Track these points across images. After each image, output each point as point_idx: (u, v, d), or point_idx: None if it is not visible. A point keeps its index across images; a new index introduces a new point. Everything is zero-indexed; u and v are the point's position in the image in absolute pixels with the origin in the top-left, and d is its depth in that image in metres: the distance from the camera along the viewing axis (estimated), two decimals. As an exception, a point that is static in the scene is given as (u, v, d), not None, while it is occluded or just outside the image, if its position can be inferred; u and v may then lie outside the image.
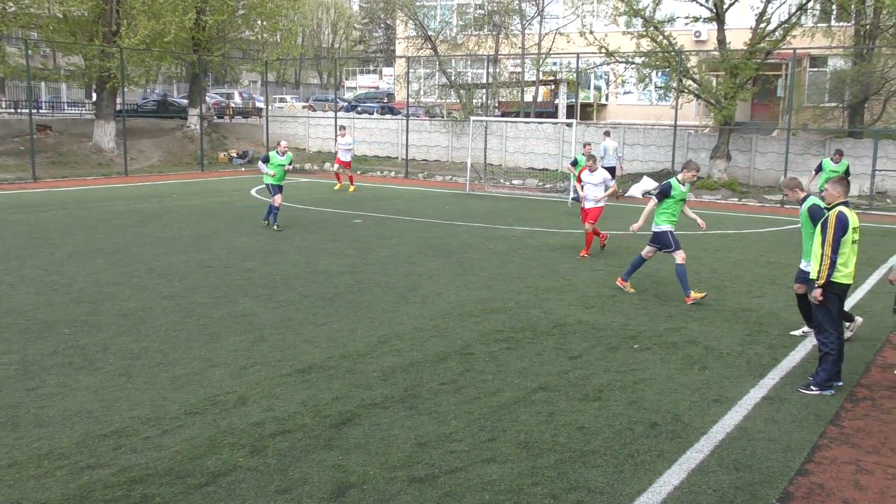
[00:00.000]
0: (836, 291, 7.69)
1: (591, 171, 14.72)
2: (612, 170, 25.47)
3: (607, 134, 27.23)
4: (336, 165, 26.40)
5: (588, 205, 14.76)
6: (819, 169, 18.87)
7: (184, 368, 8.01)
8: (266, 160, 17.52)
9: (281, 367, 8.09)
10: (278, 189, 17.34)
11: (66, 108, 44.35)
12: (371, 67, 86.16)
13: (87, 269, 12.66)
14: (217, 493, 5.44)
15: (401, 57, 41.55)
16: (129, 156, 31.34)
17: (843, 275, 7.65)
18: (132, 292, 11.21)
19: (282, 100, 57.71)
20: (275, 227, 16.97)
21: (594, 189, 14.60)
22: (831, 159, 18.90)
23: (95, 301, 10.66)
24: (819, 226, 7.68)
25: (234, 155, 36.30)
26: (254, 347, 8.75)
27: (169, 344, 8.82)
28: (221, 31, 36.21)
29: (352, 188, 25.75)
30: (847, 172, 18.64)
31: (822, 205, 8.74)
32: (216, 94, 50.89)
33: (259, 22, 38.24)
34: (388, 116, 40.47)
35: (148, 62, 33.38)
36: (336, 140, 27.06)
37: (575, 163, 18.23)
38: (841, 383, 7.84)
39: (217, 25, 34.91)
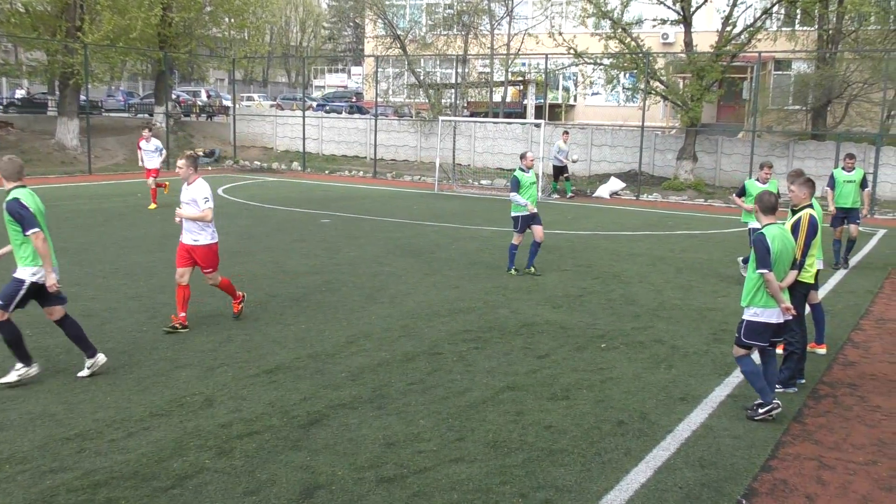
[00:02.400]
0: (802, 290, 7.81)
1: (188, 183, 9.56)
2: (562, 169, 26.35)
3: (566, 133, 27.81)
4: (150, 179, 20.25)
5: (185, 239, 9.58)
6: (832, 184, 14.54)
7: (149, 370, 7.92)
8: (517, 185, 13.00)
9: (248, 368, 8.03)
10: (532, 220, 13.04)
11: (28, 104, 43.67)
12: (339, 66, 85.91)
13: (50, 269, 12.45)
14: (183, 496, 5.39)
15: (369, 56, 41.48)
16: (93, 154, 30.94)
17: (809, 275, 7.76)
18: (96, 293, 11.06)
19: (249, 98, 57.32)
20: (531, 269, 13.13)
21: (187, 208, 9.50)
22: (842, 168, 14.65)
23: (59, 301, 10.49)
24: (789, 228, 7.75)
25: (201, 154, 35.97)
26: (220, 348, 8.67)
27: (134, 345, 8.72)
28: (188, 28, 35.85)
29: (152, 205, 19.98)
30: (864, 183, 14.56)
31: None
32: (182, 91, 50.44)
33: (226, 19, 37.92)
34: (356, 116, 40.36)
35: (113, 58, 32.95)
36: (140, 147, 20.81)
37: (743, 192, 13.19)
38: (804, 381, 7.97)
39: (184, 22, 34.56)
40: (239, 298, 10.03)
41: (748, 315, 6.99)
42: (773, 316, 6.90)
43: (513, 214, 13.24)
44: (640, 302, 11.34)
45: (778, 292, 6.80)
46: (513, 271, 13.04)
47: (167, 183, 20.98)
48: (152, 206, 19.97)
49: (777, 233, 6.92)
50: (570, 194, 26.36)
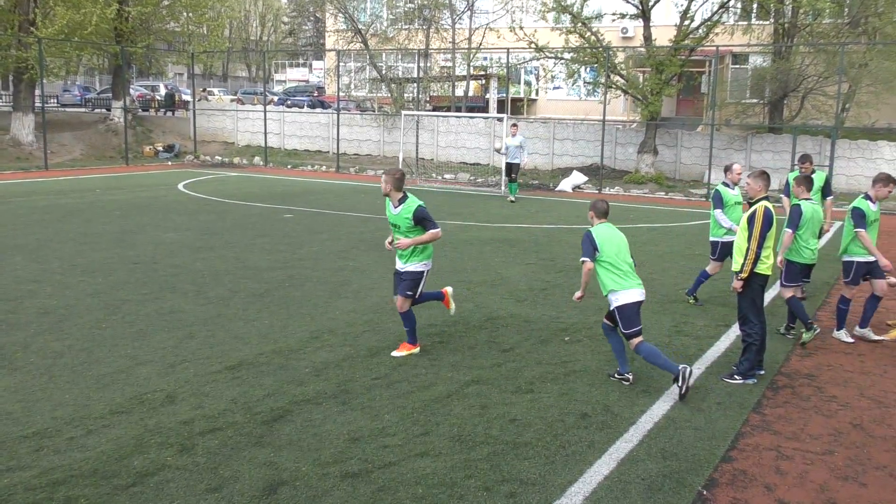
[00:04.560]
0: (760, 282, 7.93)
1: None
2: (517, 165, 22.84)
3: (515, 126, 23.74)
4: None
5: None
6: (787, 191, 12.03)
7: (109, 367, 7.81)
8: (720, 201, 10.79)
9: (210, 364, 7.95)
10: (726, 247, 10.74)
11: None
12: (301, 61, 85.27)
13: (5, 267, 12.24)
14: (144, 494, 5.33)
15: (331, 50, 41.21)
16: (50, 149, 30.40)
17: (766, 266, 7.88)
18: (54, 290, 10.88)
19: (209, 92, 56.64)
20: (692, 298, 11.16)
21: None
22: (799, 169, 11.82)
23: (15, 299, 10.31)
24: (745, 220, 7.89)
25: (161, 149, 35.52)
26: (182, 344, 8.58)
27: (93, 342, 8.59)
28: (146, 23, 35.33)
29: None
30: (826, 190, 12.00)
31: None
32: (141, 86, 49.70)
33: (184, 13, 37.44)
34: (318, 110, 40.10)
35: (68, 53, 32.37)
36: None
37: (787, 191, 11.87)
38: (763, 372, 8.09)
39: (141, 17, 34.05)
40: None
41: (612, 303, 7.57)
42: (634, 296, 7.51)
43: (711, 238, 11.05)
44: (602, 295, 11.37)
45: (585, 279, 7.64)
46: (691, 300, 11.15)
47: None
48: None
49: (605, 230, 7.64)
50: (511, 198, 23.15)
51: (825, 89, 28.69)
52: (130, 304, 10.19)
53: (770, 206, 7.91)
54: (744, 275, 7.78)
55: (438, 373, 7.88)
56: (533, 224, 18.43)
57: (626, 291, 7.50)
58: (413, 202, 8.38)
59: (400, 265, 8.60)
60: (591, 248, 7.57)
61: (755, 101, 32.02)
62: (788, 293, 9.46)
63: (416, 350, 8.59)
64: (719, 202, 10.81)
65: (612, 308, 7.62)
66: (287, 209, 19.60)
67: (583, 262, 7.56)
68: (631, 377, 7.77)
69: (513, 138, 23.01)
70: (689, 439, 6.45)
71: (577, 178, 27.87)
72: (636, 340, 7.52)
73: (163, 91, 47.22)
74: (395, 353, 8.49)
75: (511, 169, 23.05)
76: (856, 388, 7.90)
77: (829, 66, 27.70)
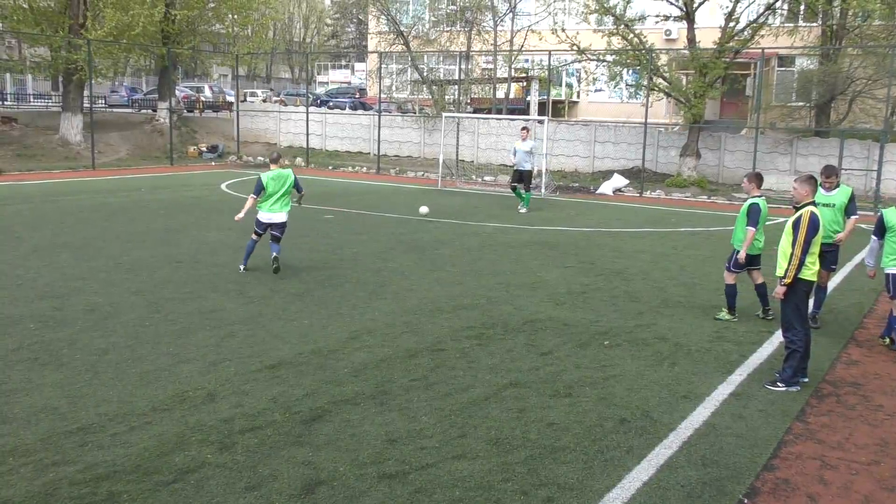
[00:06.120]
0: (804, 288, 7.80)
1: None
2: (528, 173, 20.95)
3: (525, 130, 21.64)
4: None
5: None
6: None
7: (152, 364, 7.93)
8: (881, 229, 9.40)
9: (250, 363, 8.03)
10: None
11: (31, 99, 43.72)
12: (343, 62, 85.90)
13: (52, 264, 12.49)
14: (185, 490, 5.39)
15: (373, 52, 41.42)
16: (97, 149, 30.97)
17: (811, 272, 7.75)
18: (99, 287, 11.07)
19: (252, 94, 57.30)
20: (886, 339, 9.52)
21: None
22: (821, 185, 9.95)
23: (61, 296, 10.52)
24: (790, 225, 7.77)
25: (205, 149, 35.99)
26: (223, 343, 8.68)
27: (137, 339, 8.73)
28: (191, 25, 35.86)
29: None
30: (850, 208, 10.14)
31: None
32: (186, 87, 50.44)
33: (230, 15, 37.93)
34: (359, 112, 40.33)
35: (116, 54, 32.98)
36: None
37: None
38: (807, 379, 7.95)
39: (186, 19, 34.58)
40: None
41: (260, 217, 12.19)
42: (268, 217, 12.13)
43: (886, 270, 9.42)
44: (643, 299, 11.32)
45: (247, 207, 12.07)
46: (885, 341, 9.52)
47: None
48: None
49: (272, 174, 12.05)
50: (523, 209, 20.81)
51: (874, 92, 28.13)
52: (173, 303, 10.33)
53: (816, 211, 7.78)
54: (788, 280, 7.66)
55: (476, 375, 7.87)
56: (572, 227, 18.33)
57: (266, 213, 12.08)
58: None
59: None
60: (259, 186, 11.94)
61: (801, 104, 31.51)
62: (733, 279, 10.29)
63: None
64: (880, 230, 9.37)
65: (257, 218, 12.19)
66: (327, 210, 19.73)
67: (251, 196, 12.05)
68: (242, 268, 12.22)
69: (523, 142, 20.77)
70: (731, 447, 6.36)
71: (618, 180, 27.67)
72: (256, 237, 12.32)
73: (208, 92, 47.89)
74: None
75: (521, 177, 20.76)
76: (903, 397, 7.73)
77: (879, 68, 27.16)
